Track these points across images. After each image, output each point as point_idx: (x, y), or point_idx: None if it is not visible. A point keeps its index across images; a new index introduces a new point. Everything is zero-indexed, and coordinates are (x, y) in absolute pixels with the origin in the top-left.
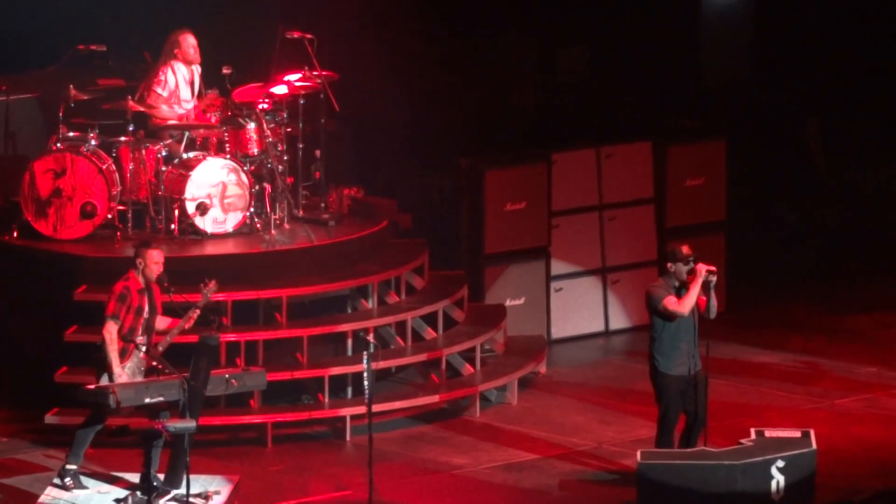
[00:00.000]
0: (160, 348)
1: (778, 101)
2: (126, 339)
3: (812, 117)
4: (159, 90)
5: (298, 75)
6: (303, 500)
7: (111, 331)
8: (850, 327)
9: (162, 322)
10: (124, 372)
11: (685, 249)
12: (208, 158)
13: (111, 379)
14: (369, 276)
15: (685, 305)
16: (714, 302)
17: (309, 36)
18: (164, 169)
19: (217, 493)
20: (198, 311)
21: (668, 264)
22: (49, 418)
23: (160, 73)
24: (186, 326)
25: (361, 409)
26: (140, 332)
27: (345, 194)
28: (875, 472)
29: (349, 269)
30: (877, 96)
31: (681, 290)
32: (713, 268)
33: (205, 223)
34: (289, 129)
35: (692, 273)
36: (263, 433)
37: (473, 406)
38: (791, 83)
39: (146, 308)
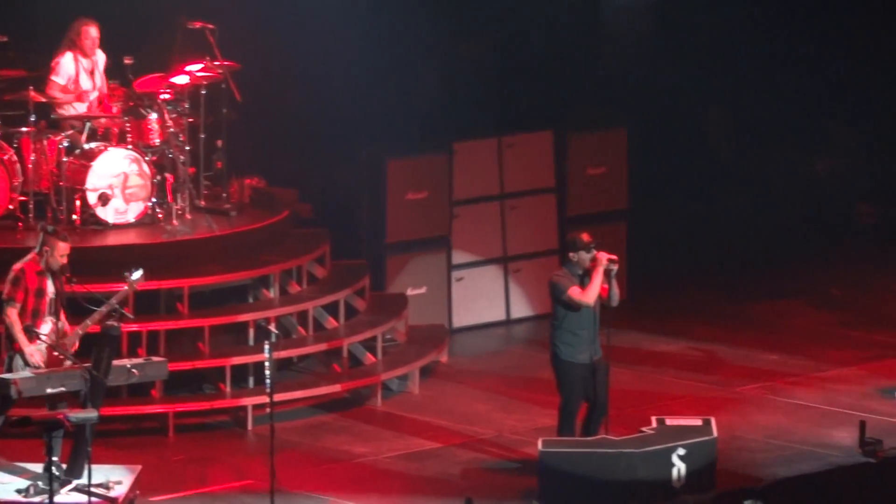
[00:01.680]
0: (71, 341)
1: (679, 89)
2: (29, 327)
3: (714, 105)
4: (56, 79)
5: (200, 65)
6: (204, 490)
7: (10, 314)
8: (752, 315)
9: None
10: (37, 350)
11: (586, 237)
12: (110, 149)
13: (24, 360)
14: (271, 266)
15: (589, 295)
16: (616, 290)
17: (210, 26)
18: (65, 160)
19: (119, 482)
20: (111, 305)
21: (570, 253)
22: None
23: (58, 61)
24: (97, 318)
25: (263, 399)
26: (47, 314)
27: (246, 184)
28: (775, 460)
29: (251, 258)
30: (780, 83)
31: (584, 279)
32: (614, 256)
33: (107, 213)
34: (190, 120)
35: (594, 261)
36: (165, 423)
37: (375, 395)
38: (693, 71)
39: (49, 290)
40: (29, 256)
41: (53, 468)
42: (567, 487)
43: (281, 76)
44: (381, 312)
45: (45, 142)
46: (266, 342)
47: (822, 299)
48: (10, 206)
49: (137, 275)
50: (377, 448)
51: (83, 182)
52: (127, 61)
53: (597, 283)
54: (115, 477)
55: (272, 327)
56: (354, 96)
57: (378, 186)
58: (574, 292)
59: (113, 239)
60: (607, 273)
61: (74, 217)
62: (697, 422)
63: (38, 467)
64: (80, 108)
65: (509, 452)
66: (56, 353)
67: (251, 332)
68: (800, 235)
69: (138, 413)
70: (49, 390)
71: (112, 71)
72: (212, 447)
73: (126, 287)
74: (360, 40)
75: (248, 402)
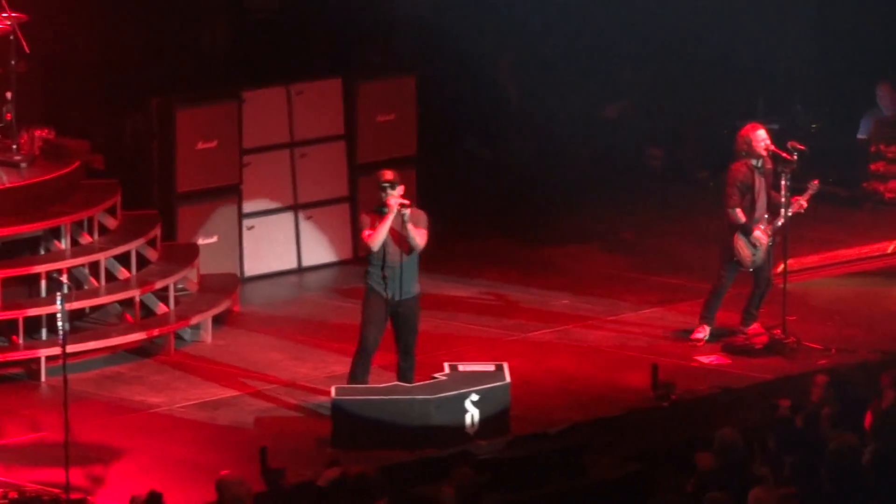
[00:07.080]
0: None
1: (468, 35)
2: None
3: (503, 51)
4: None
5: None
6: None
7: None
8: (543, 259)
9: None
10: None
11: (386, 175)
12: None
13: None
14: (62, 217)
15: (375, 239)
16: (413, 233)
17: None
18: None
19: None
20: None
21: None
22: None
23: None
24: None
25: (56, 350)
26: None
27: (36, 136)
28: (569, 404)
29: (42, 210)
30: (568, 28)
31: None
32: (405, 201)
33: None
34: None
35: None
36: None
37: (168, 345)
38: (481, 16)
39: None
40: None
41: None
42: (361, 434)
43: (69, 26)
44: (173, 262)
45: None
46: (58, 293)
47: (614, 243)
48: None
49: None
50: (171, 398)
51: None
52: None
53: (383, 229)
54: None
55: (64, 279)
56: (143, 45)
57: (168, 136)
58: (364, 234)
59: None
60: (400, 217)
61: None
62: (490, 367)
63: None
64: None
65: (303, 400)
66: None
67: (43, 283)
68: (590, 180)
69: None
70: None
71: None
72: (5, 399)
73: None
74: None
75: (42, 353)
